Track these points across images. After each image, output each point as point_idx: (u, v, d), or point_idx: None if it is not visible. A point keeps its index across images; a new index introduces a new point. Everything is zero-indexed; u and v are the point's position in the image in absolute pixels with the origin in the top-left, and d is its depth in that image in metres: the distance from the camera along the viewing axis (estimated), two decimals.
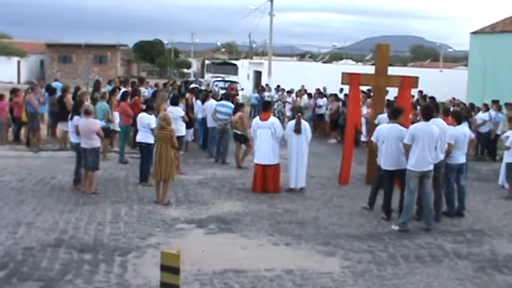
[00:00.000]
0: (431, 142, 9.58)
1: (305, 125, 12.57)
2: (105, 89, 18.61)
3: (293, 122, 12.62)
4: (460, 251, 8.79)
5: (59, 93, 17.98)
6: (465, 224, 10.37)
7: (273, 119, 12.56)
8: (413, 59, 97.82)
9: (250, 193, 12.20)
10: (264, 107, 13.32)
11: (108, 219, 9.77)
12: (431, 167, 9.66)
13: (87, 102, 13.70)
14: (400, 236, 9.41)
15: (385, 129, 10.47)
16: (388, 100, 15.11)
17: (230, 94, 18.25)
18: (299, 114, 12.68)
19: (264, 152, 12.33)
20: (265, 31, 47.49)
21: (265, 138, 12.33)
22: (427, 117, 9.79)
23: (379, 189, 10.98)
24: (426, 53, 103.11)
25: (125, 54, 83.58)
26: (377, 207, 10.90)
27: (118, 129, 15.73)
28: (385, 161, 10.31)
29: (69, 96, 17.39)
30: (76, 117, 11.89)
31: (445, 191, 10.74)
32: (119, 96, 16.41)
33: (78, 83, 32.97)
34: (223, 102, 16.33)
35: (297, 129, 12.36)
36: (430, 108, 10.11)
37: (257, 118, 12.90)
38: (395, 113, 10.61)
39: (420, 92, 22.65)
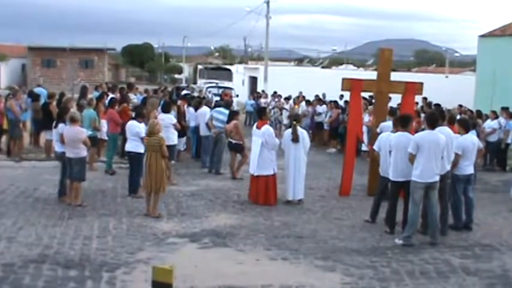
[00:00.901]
0: (437, 152, 9.61)
1: (303, 134, 12.61)
2: (92, 95, 18.62)
3: (290, 130, 12.67)
4: (468, 266, 8.80)
5: (43, 100, 17.99)
6: (473, 238, 10.39)
7: (265, 128, 12.56)
8: (418, 64, 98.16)
9: (246, 205, 12.21)
10: (258, 115, 13.38)
11: (95, 233, 9.77)
12: (437, 178, 9.69)
13: (73, 109, 13.72)
14: (404, 250, 9.43)
15: (394, 138, 10.49)
16: (391, 107, 15.20)
17: (230, 101, 18.33)
18: (295, 122, 12.72)
19: (256, 161, 12.38)
20: (261, 34, 47.72)
21: (256, 147, 12.40)
22: (432, 125, 9.83)
23: (382, 201, 11.02)
24: (431, 58, 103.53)
25: (112, 58, 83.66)
26: (380, 220, 10.92)
27: (105, 137, 15.76)
28: (394, 172, 10.27)
29: (54, 103, 17.40)
30: (61, 125, 11.89)
31: (452, 203, 10.78)
32: (106, 102, 16.43)
33: (63, 88, 33.00)
34: (221, 109, 16.38)
35: (294, 138, 12.40)
36: (435, 116, 10.14)
37: (255, 126, 12.96)
38: (405, 120, 10.63)
39: (425, 98, 22.74)
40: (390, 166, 10.38)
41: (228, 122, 15.48)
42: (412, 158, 9.72)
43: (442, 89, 37.09)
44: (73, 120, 11.63)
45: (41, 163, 16.10)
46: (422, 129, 11.15)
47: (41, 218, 10.55)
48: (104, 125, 15.55)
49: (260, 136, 12.38)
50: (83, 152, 11.68)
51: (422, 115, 18.98)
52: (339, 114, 21.70)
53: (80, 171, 11.60)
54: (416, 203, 9.73)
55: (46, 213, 10.98)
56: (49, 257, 8.45)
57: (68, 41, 67.31)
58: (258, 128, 12.55)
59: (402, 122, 10.61)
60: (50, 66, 60.92)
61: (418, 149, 9.60)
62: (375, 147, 11.32)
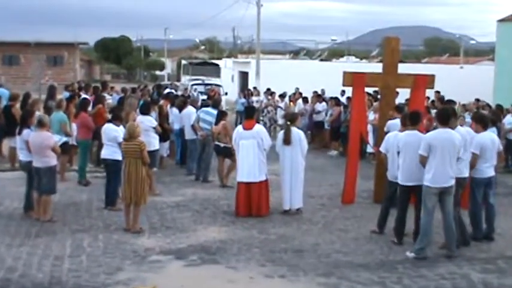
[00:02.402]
0: (452, 152, 9.60)
1: (299, 135, 12.61)
2: (62, 95, 18.57)
3: (283, 131, 12.67)
4: (491, 282, 8.80)
5: (4, 102, 17.91)
6: (495, 250, 10.39)
7: (258, 127, 12.57)
8: (428, 53, 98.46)
9: (238, 217, 12.20)
10: (247, 114, 13.37)
11: (67, 252, 9.73)
12: (452, 182, 9.67)
13: (40, 112, 13.67)
14: (417, 264, 9.43)
15: (402, 137, 10.51)
16: (398, 104, 15.20)
17: (218, 100, 18.30)
18: (289, 122, 12.69)
19: (248, 167, 12.34)
20: (251, 24, 47.60)
21: (250, 151, 12.34)
22: (444, 122, 9.81)
23: (390, 208, 11.02)
24: (443, 46, 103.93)
25: (84, 54, 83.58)
26: (388, 230, 10.92)
27: (75, 143, 15.67)
28: (403, 175, 10.28)
29: (18, 105, 17.33)
30: (26, 131, 11.84)
31: (471, 210, 10.79)
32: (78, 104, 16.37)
33: (28, 88, 32.71)
34: (209, 109, 16.36)
35: (286, 140, 12.40)
36: (447, 112, 10.14)
37: (239, 127, 12.93)
38: (414, 117, 10.67)
39: (437, 92, 22.78)
40: (399, 169, 10.38)
41: (216, 123, 15.43)
42: (423, 160, 9.71)
43: (457, 81, 37.30)
44: (41, 125, 11.58)
45: (4, 174, 16.04)
46: (434, 128, 11.15)
47: (5, 237, 10.48)
48: (75, 129, 15.49)
49: (253, 137, 12.35)
50: (52, 161, 11.63)
51: (434, 111, 19.06)
52: (340, 112, 21.70)
53: (49, 183, 11.55)
54: (429, 211, 9.72)
55: (10, 230, 10.92)
56: (12, 282, 8.39)
57: (33, 35, 67.24)
58: (247, 128, 12.52)
59: (411, 119, 10.63)
60: (12, 64, 60.61)
61: (430, 150, 9.60)
62: (381, 148, 11.32)
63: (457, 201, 10.20)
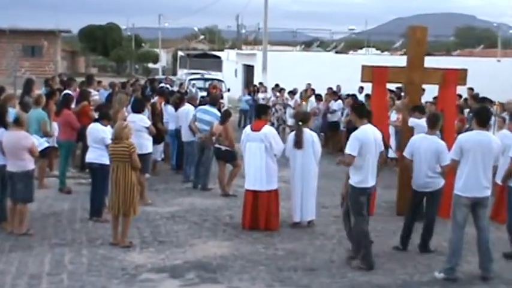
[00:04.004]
0: (487, 158, 9.58)
1: (312, 137, 12.60)
2: (41, 91, 18.60)
3: (294, 133, 12.64)
4: None
5: None
6: None
7: (266, 129, 12.49)
8: (460, 45, 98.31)
9: (241, 230, 12.21)
10: (257, 113, 13.31)
11: (45, 269, 9.73)
12: (487, 193, 9.65)
13: (16, 109, 13.68)
14: (447, 286, 9.42)
15: (417, 140, 10.78)
16: (426, 103, 15.16)
17: (216, 96, 18.30)
18: (300, 123, 12.67)
19: (254, 173, 12.33)
20: (258, 11, 47.61)
21: (256, 155, 12.32)
22: (482, 123, 9.80)
23: (415, 221, 11.03)
24: (478, 37, 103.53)
25: (67, 43, 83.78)
26: (413, 247, 10.92)
27: (56, 145, 15.69)
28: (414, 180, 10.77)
29: None
30: None
31: (508, 223, 10.77)
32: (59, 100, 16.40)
33: (2, 82, 32.91)
34: (206, 107, 16.35)
35: (297, 143, 12.38)
36: (486, 112, 10.16)
37: (248, 128, 12.93)
38: (432, 121, 10.91)
39: (470, 89, 22.74)
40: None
41: (221, 123, 15.33)
42: (454, 166, 9.72)
43: (494, 76, 37.21)
44: (18, 124, 11.57)
45: None
46: (467, 130, 11.17)
47: None
48: (56, 128, 15.50)
49: (260, 140, 12.34)
50: (29, 165, 11.63)
51: (467, 111, 19.04)
52: None
53: (26, 190, 11.54)
54: (459, 225, 9.70)
55: None
56: None
57: (7, 21, 67.34)
58: (255, 129, 12.49)
59: (428, 122, 10.92)
60: None
61: (462, 154, 9.59)
62: (405, 153, 11.31)
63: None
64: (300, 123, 12.69)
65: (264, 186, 12.27)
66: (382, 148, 10.47)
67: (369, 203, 10.51)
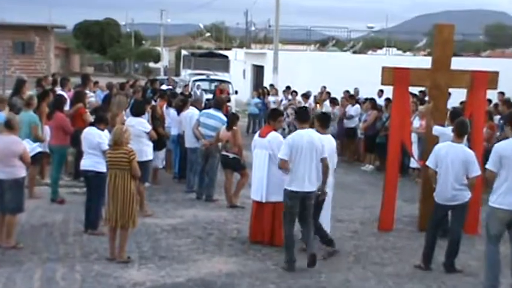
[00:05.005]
0: None
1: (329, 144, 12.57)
2: (32, 92, 18.63)
3: None
4: None
5: None
6: None
7: (271, 136, 12.41)
8: (490, 45, 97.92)
9: (249, 245, 12.21)
10: (269, 118, 13.12)
11: (35, 286, 9.76)
12: None
13: (5, 112, 13.70)
14: None
15: (443, 148, 10.74)
16: (453, 109, 15.10)
17: (222, 99, 18.29)
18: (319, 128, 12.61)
19: (256, 182, 12.33)
20: (268, 7, 47.56)
21: (261, 163, 12.32)
22: None
23: (437, 237, 11.03)
24: (510, 36, 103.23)
25: (61, 40, 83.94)
26: (437, 265, 10.90)
27: (48, 150, 15.69)
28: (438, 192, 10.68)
29: None
30: None
31: None
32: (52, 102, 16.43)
33: None
34: (211, 111, 16.37)
35: None
36: None
37: (257, 133, 12.93)
38: (460, 128, 10.90)
39: (501, 94, 22.67)
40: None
41: (228, 129, 15.32)
42: (491, 177, 9.74)
43: None
44: (9, 127, 11.59)
45: None
46: (498, 138, 11.17)
47: None
48: (48, 132, 15.50)
49: (265, 147, 12.32)
50: (20, 172, 11.67)
51: (498, 117, 18.99)
52: (377, 117, 21.68)
53: (15, 199, 11.57)
54: (493, 240, 9.74)
55: None
56: None
57: None
58: (262, 135, 12.49)
59: (455, 129, 10.94)
60: None
61: (500, 164, 9.60)
62: (428, 163, 11.29)
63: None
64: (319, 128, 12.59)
65: (265, 197, 12.21)
66: (325, 155, 10.98)
67: (311, 208, 11.05)
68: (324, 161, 10.98)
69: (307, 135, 10.93)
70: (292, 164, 10.76)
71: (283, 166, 10.81)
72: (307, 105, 26.66)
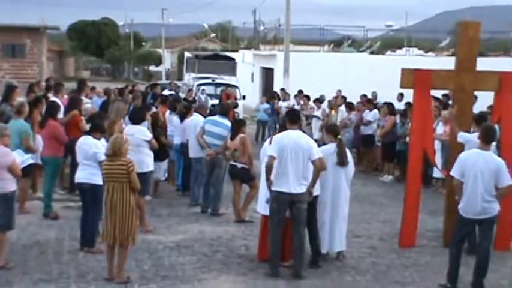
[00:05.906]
0: None
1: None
2: (23, 98, 18.67)
3: (328, 148, 12.49)
4: None
5: None
6: None
7: None
8: None
9: (258, 263, 12.18)
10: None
11: None
12: None
13: None
14: None
15: (468, 156, 10.71)
16: (479, 113, 15.06)
17: (228, 105, 18.26)
18: (339, 137, 12.56)
19: (265, 194, 12.19)
20: (278, 5, 47.60)
21: None
22: None
23: (462, 253, 11.01)
24: None
25: (54, 42, 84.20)
26: (464, 285, 10.85)
27: (40, 162, 15.71)
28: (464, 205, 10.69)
29: None
30: None
31: None
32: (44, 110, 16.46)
33: None
34: (216, 118, 16.37)
35: (342, 162, 12.28)
36: None
37: (267, 141, 12.90)
38: (486, 133, 10.90)
39: None
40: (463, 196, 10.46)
41: (233, 137, 15.33)
42: None
43: None
44: None
45: None
46: None
47: None
48: (41, 142, 15.51)
49: None
50: (10, 185, 11.66)
51: None
52: (396, 123, 21.64)
53: (5, 215, 11.57)
54: None
55: None
56: None
57: None
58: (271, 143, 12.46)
59: (482, 136, 10.92)
60: None
61: None
62: (453, 172, 11.26)
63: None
64: (339, 136, 12.54)
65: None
66: (315, 157, 11.34)
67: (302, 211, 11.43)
68: (315, 163, 11.31)
69: (295, 135, 11.53)
70: (279, 164, 11.26)
71: (270, 162, 11.29)
72: (319, 111, 26.71)
